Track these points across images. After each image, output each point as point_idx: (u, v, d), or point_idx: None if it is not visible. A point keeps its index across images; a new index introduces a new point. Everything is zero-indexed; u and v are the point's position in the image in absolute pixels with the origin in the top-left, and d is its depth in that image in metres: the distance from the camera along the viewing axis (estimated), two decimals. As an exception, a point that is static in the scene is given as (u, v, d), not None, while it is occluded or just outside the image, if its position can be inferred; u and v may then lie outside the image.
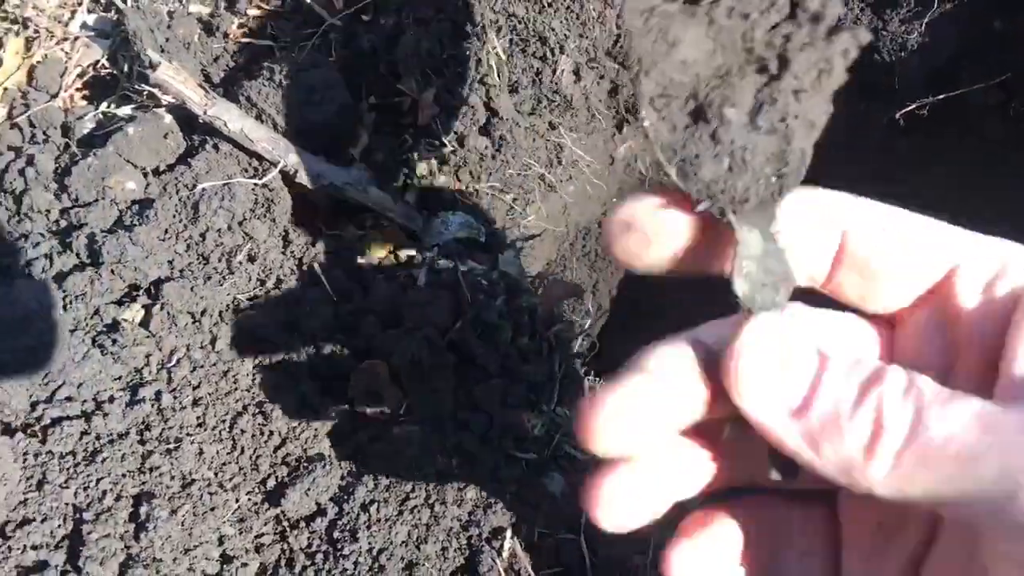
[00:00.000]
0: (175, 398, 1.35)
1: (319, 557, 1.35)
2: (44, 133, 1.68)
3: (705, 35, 0.45)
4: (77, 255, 1.43)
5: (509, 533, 1.42)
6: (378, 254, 1.58)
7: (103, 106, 1.71)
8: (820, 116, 0.45)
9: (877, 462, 0.39)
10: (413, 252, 1.60)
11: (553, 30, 1.72)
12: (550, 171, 1.75)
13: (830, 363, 0.42)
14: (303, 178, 1.57)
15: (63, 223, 1.49)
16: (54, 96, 1.75)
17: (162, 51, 1.68)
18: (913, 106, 1.89)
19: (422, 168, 1.63)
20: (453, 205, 1.63)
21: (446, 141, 1.63)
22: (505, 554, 1.40)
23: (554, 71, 1.72)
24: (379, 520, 1.36)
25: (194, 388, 1.37)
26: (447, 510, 1.39)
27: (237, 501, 1.33)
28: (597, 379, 1.90)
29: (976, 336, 0.44)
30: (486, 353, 1.49)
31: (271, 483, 1.37)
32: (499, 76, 1.69)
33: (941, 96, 1.87)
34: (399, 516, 1.38)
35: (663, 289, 2.48)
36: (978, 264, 0.45)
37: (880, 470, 0.39)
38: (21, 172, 1.55)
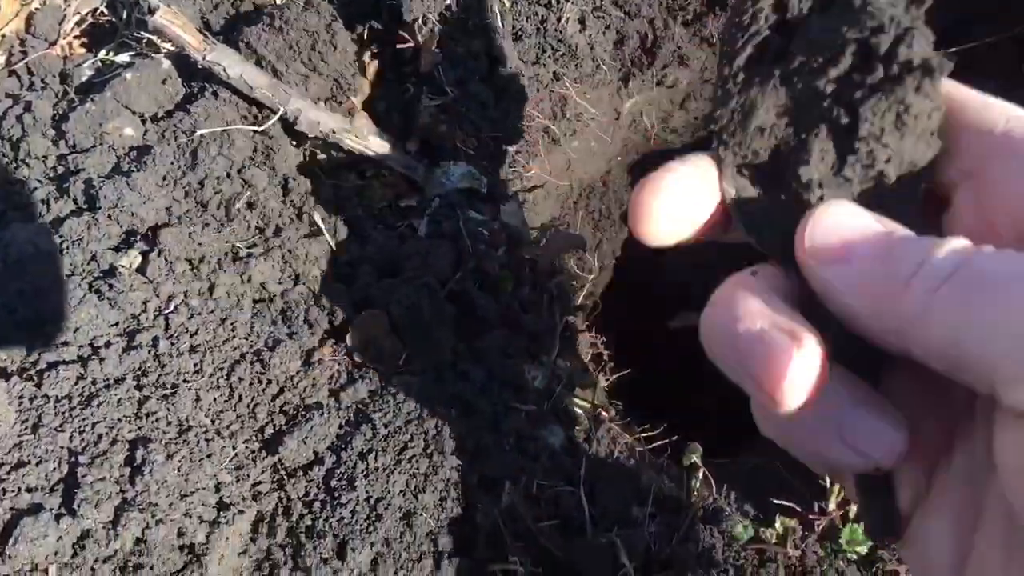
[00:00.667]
0: (172, 344, 1.34)
1: (316, 505, 1.34)
2: (42, 80, 1.66)
3: (783, 97, 0.44)
4: (74, 200, 1.42)
5: (508, 484, 1.41)
6: (378, 204, 1.57)
7: (102, 53, 1.69)
8: (920, 155, 0.44)
9: (912, 290, 0.39)
10: (414, 202, 1.58)
11: (559, -22, 1.69)
12: (554, 123, 1.72)
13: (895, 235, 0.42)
14: (303, 126, 1.55)
15: (60, 169, 1.48)
16: (52, 43, 1.73)
17: (161, -3, 1.65)
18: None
19: (424, 117, 1.60)
20: (455, 155, 1.60)
21: (448, 89, 1.61)
22: (503, 505, 1.40)
23: (559, 19, 1.69)
24: (377, 469, 1.36)
25: (191, 335, 1.36)
26: (446, 460, 1.38)
27: (234, 448, 1.33)
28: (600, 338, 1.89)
29: (1010, 206, 0.43)
30: (487, 304, 1.48)
31: (268, 431, 1.36)
32: (503, 23, 1.66)
33: (952, 50, 1.83)
34: (397, 465, 1.37)
35: (665, 250, 2.46)
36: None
37: (914, 297, 0.38)
38: (19, 119, 1.53)
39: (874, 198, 0.44)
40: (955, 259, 0.38)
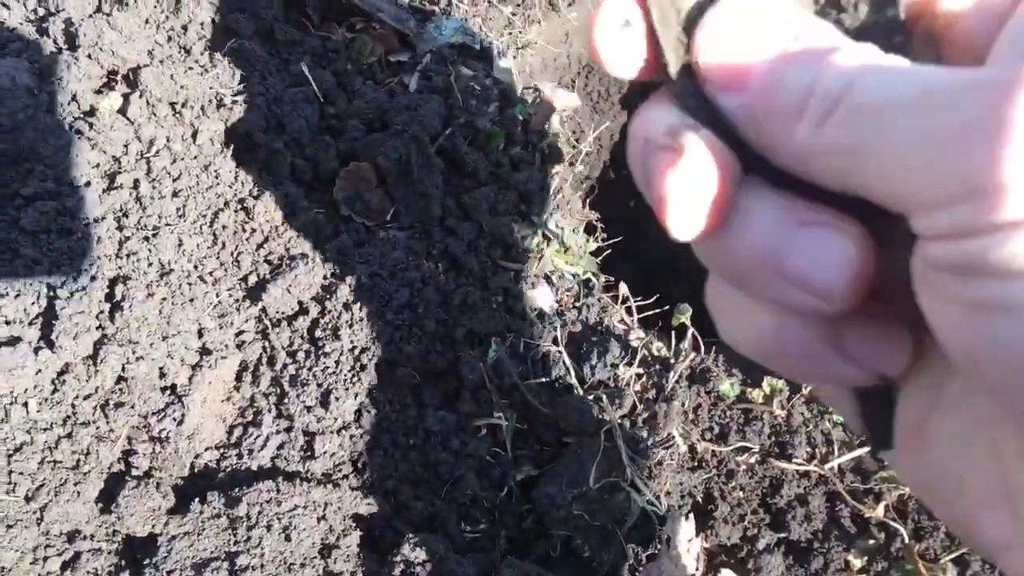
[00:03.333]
0: (154, 188, 1.31)
1: (300, 355, 1.33)
2: (23, -74, 1.60)
3: None
4: (54, 40, 1.37)
5: (495, 340, 1.39)
6: (368, 58, 1.52)
7: (84, -100, 1.62)
8: None
9: (802, 124, 0.33)
10: (404, 58, 1.53)
11: None
12: (552, -15, 1.67)
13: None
14: (291, -27, 1.49)
15: (41, 11, 1.43)
16: None
17: None
18: None
19: (416, -31, 1.55)
20: (448, 10, 1.55)
21: (442, -60, 1.55)
22: (490, 360, 1.39)
23: None
24: (361, 320, 1.34)
25: (174, 179, 1.33)
26: (431, 312, 1.37)
27: (217, 295, 1.31)
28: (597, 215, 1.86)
29: (966, 46, 0.38)
30: (476, 160, 1.45)
31: (252, 280, 1.34)
32: None
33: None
34: (381, 317, 1.35)
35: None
36: None
37: (803, 132, 0.33)
38: (-2, -38, 1.48)
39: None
40: (843, 81, 0.32)
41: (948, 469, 0.38)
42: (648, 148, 0.36)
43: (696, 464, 1.35)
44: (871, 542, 1.31)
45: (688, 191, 0.35)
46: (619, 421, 1.34)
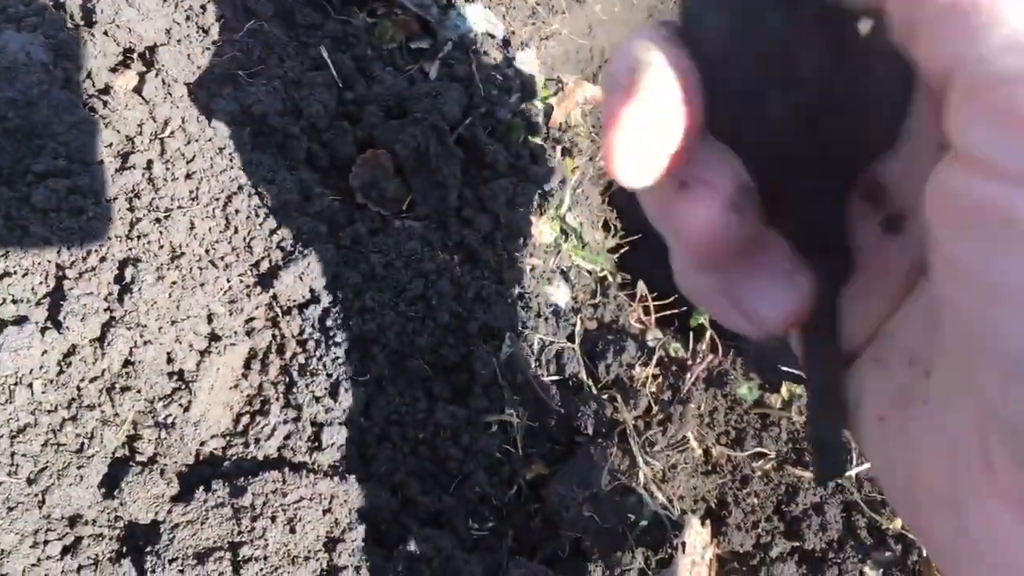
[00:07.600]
0: (167, 169, 1.29)
1: (310, 344, 1.30)
2: (43, -100, 1.57)
3: None
4: (71, 16, 1.35)
5: (508, 335, 1.37)
6: (388, 44, 1.49)
7: None
8: None
9: None
10: (426, 44, 1.50)
11: None
12: (578, -24, 1.63)
13: None
14: (312, -45, 1.47)
15: (58, -14, 1.41)
16: None
17: None
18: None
19: (440, -46, 1.52)
20: (471, -3, 1.53)
21: (467, -75, 1.52)
22: (503, 356, 1.36)
23: None
24: (373, 309, 1.32)
25: (188, 161, 1.31)
26: (444, 305, 1.34)
27: (228, 280, 1.29)
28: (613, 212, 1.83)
29: None
30: (496, 151, 1.42)
31: (264, 265, 1.31)
32: None
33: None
34: (394, 307, 1.33)
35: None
36: None
37: None
38: (17, -64, 1.46)
39: None
40: None
41: (901, 463, 0.36)
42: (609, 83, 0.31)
43: (710, 469, 1.32)
44: (888, 554, 1.28)
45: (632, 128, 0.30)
46: (633, 422, 1.31)
